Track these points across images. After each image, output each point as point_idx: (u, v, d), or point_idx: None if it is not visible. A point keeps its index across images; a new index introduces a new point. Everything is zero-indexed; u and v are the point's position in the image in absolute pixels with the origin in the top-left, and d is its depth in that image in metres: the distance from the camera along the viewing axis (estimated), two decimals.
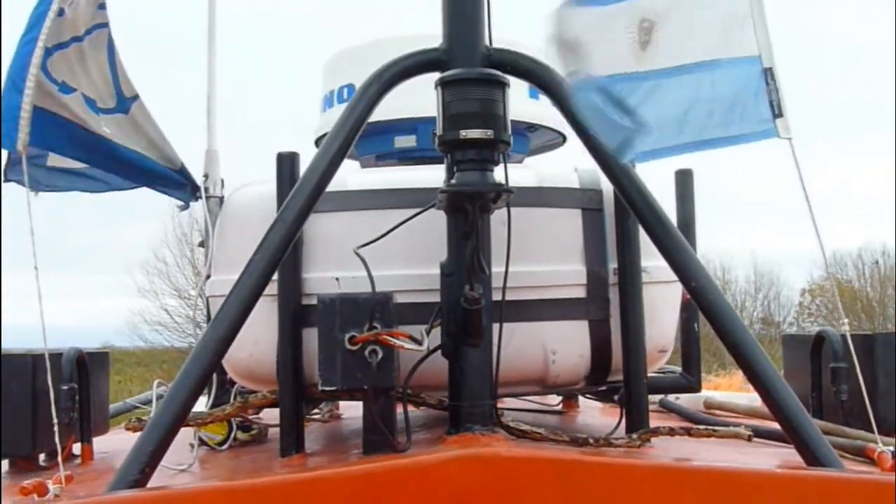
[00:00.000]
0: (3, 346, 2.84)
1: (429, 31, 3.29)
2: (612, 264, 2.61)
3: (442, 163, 2.45)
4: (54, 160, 2.90)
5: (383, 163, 3.48)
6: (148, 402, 3.91)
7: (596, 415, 3.52)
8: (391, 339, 2.15)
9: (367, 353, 2.15)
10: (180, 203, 3.20)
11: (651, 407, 3.72)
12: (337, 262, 2.50)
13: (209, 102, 3.19)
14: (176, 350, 25.14)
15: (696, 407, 3.63)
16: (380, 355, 2.15)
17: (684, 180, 2.98)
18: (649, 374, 2.89)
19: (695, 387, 3.09)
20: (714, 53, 2.12)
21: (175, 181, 3.09)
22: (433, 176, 2.47)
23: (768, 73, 2.08)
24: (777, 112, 2.06)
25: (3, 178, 2.74)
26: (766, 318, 28.20)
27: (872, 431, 2.48)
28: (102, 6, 2.77)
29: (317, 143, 3.69)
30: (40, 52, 2.39)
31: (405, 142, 3.31)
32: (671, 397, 3.64)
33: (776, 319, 28.18)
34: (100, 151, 2.80)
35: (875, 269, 28.07)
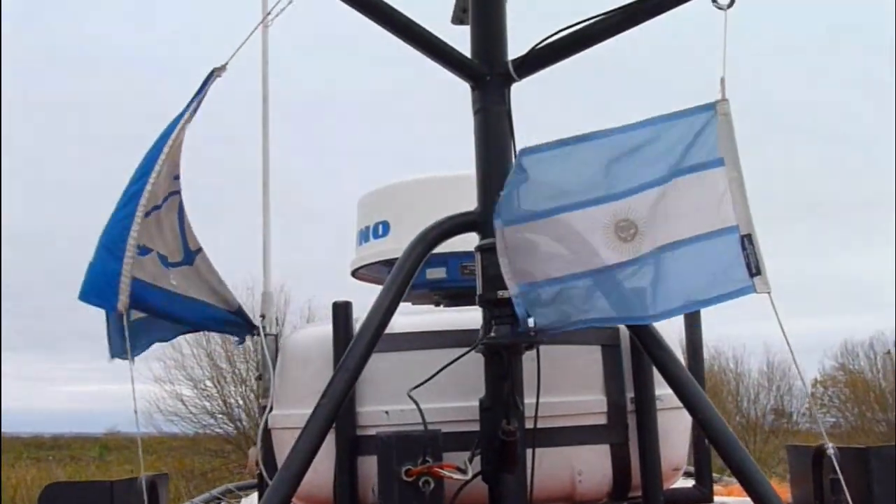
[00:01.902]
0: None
1: (450, 172, 3.71)
2: (630, 394, 2.93)
3: (466, 294, 2.81)
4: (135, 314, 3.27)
5: (416, 292, 3.84)
6: None
7: None
8: (441, 470, 2.48)
9: (420, 483, 2.47)
10: (236, 339, 3.56)
11: None
12: (387, 397, 2.82)
13: (265, 251, 3.57)
14: (187, 437, 24.85)
15: None
16: (431, 485, 2.48)
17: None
18: (667, 488, 3.21)
19: (707, 497, 3.40)
20: (694, 231, 2.31)
21: (233, 322, 3.46)
22: (468, 318, 2.82)
23: (746, 239, 2.27)
24: (755, 271, 2.25)
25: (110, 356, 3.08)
26: (779, 409, 28.22)
27: None
28: (177, 177, 3.15)
29: (353, 274, 4.07)
30: (137, 227, 2.79)
31: (436, 273, 3.65)
32: None
33: (788, 410, 28.16)
34: (167, 304, 3.16)
35: (888, 359, 27.35)
